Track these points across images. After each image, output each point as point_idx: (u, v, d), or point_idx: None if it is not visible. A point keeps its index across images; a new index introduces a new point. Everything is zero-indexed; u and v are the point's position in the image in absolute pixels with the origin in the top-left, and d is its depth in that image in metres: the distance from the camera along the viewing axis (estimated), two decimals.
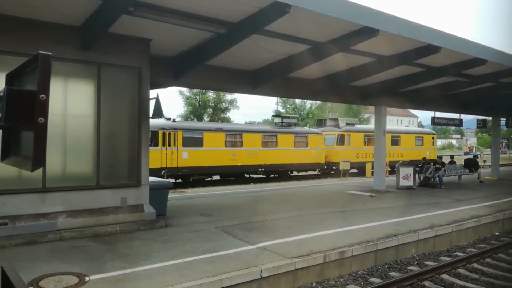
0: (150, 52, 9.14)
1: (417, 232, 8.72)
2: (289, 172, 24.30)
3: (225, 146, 21.61)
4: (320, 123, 30.78)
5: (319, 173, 24.38)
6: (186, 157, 19.96)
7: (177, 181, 19.86)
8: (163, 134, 19.58)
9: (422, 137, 31.76)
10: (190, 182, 20.17)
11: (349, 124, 27.47)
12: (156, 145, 19.18)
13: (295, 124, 26.17)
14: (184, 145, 20.08)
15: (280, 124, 25.40)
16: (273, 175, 24.20)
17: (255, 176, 23.44)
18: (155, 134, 19.13)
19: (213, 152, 20.84)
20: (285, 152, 23.76)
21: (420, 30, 9.61)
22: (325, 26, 8.52)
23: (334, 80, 12.92)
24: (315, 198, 13.98)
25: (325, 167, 26.19)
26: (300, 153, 24.42)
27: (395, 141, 28.81)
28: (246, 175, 23.50)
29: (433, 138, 33.02)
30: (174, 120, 21.41)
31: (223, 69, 11.19)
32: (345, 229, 8.76)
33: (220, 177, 22.58)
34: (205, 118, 46.95)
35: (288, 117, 27.05)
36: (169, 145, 19.57)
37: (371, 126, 25.89)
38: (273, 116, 28.91)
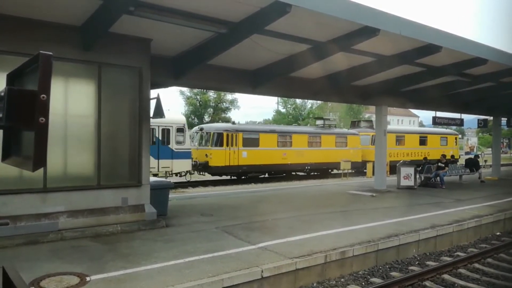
0: (151, 52, 9.14)
1: (418, 232, 8.71)
2: (330, 170, 25.38)
3: (277, 146, 23.69)
4: (354, 124, 32.61)
5: (353, 171, 24.86)
6: (245, 156, 22.19)
7: (232, 177, 22.58)
8: (227, 135, 21.81)
9: (447, 137, 33.12)
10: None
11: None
12: (222, 145, 21.59)
13: (335, 126, 28.37)
14: (244, 145, 22.30)
15: (322, 125, 27.63)
16: (315, 173, 25.53)
17: (299, 173, 24.74)
18: (220, 135, 21.69)
19: (268, 152, 23.02)
20: (327, 151, 25.68)
21: (420, 30, 9.60)
22: (326, 25, 8.52)
23: (334, 80, 12.91)
24: (316, 198, 13.97)
25: (361, 165, 27.38)
26: (341, 153, 26.05)
27: (422, 141, 30.68)
28: (293, 173, 25.27)
29: (456, 138, 34.41)
30: (234, 123, 24.24)
31: (224, 69, 11.19)
32: (346, 229, 8.76)
33: (272, 175, 24.47)
34: (206, 118, 46.95)
35: (329, 119, 29.57)
36: (232, 145, 21.83)
37: (401, 127, 30.64)
38: (315, 118, 32.12)
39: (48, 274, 5.58)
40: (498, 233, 10.67)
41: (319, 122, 28.87)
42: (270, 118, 57.23)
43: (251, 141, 22.66)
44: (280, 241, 7.59)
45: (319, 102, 54.28)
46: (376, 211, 11.17)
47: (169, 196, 10.26)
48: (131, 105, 9.13)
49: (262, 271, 6.02)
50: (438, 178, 17.58)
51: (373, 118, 20.90)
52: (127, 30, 8.36)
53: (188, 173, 21.30)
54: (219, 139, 21.64)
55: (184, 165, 20.56)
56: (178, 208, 10.87)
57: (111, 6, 7.06)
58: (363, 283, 6.81)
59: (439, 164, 18.15)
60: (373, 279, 6.92)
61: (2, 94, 1.27)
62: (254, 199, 13.47)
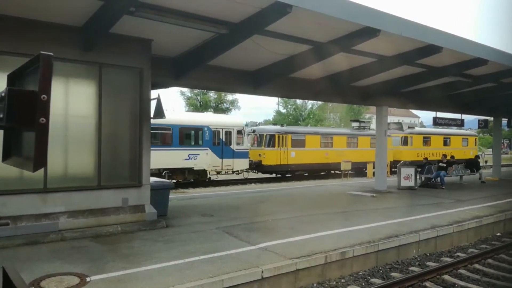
0: (151, 52, 9.15)
1: (418, 232, 8.70)
2: (364, 169, 26.12)
3: (320, 147, 25.91)
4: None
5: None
6: (294, 156, 24.22)
7: (277, 175, 24.51)
8: (278, 137, 23.98)
9: (467, 138, 35.30)
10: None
11: (410, 128, 31.98)
12: (273, 146, 23.80)
13: (369, 128, 30.12)
14: (292, 146, 24.37)
15: (357, 127, 29.57)
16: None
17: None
18: (272, 137, 23.89)
19: (312, 152, 25.03)
20: (363, 151, 27.39)
21: (421, 30, 9.60)
22: (326, 26, 8.52)
23: (335, 81, 12.91)
24: (316, 199, 13.97)
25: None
26: (373, 152, 27.18)
27: (446, 142, 33.01)
28: (332, 171, 26.67)
29: (475, 139, 36.66)
30: (282, 125, 26.90)
31: (224, 70, 11.19)
32: (346, 229, 8.75)
33: (315, 173, 25.99)
34: None
35: (364, 122, 31.45)
36: (282, 146, 23.96)
37: (428, 129, 32.46)
38: (351, 120, 33.81)
39: (48, 274, 5.58)
40: (498, 234, 10.66)
41: (354, 124, 30.74)
42: (271, 119, 57.17)
43: (298, 142, 24.76)
44: (281, 241, 7.59)
45: (319, 102, 54.26)
46: (377, 211, 11.17)
47: (170, 196, 10.25)
48: (131, 106, 9.14)
49: (262, 272, 6.02)
50: (438, 178, 17.57)
51: (374, 119, 21.00)
52: (128, 31, 8.36)
53: (245, 171, 22.99)
54: (271, 141, 23.85)
55: (243, 163, 22.26)
56: (179, 209, 10.87)
57: (112, 6, 7.07)
58: (363, 284, 6.81)
59: (440, 164, 18.14)
60: (373, 280, 6.92)
61: (3, 94, 1.27)
62: (255, 200, 13.47)
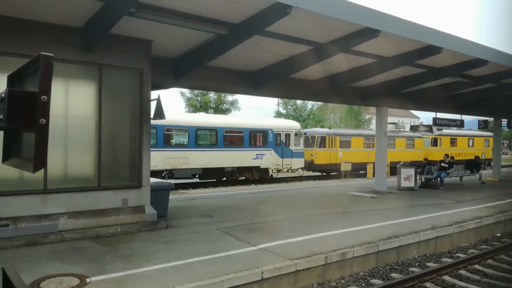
0: (151, 53, 9.15)
1: (418, 233, 8.70)
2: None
3: (364, 147, 28.27)
4: (413, 128, 37.27)
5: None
6: (341, 156, 26.47)
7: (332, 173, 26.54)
8: (328, 138, 26.76)
9: (488, 139, 37.04)
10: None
11: (439, 130, 33.69)
12: (324, 146, 26.58)
13: (404, 130, 32.78)
14: (340, 146, 27.04)
15: (394, 130, 31.95)
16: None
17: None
18: (323, 138, 26.79)
19: (357, 152, 27.38)
20: (400, 152, 29.64)
21: (421, 31, 9.60)
22: (326, 27, 8.52)
23: (335, 81, 12.91)
24: (316, 199, 13.97)
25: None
26: (410, 153, 30.56)
27: (469, 143, 36.18)
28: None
29: None
30: (330, 128, 30.33)
31: (224, 70, 11.19)
32: (346, 230, 8.75)
33: (358, 171, 27.13)
34: None
35: (399, 124, 34.26)
36: (331, 147, 26.68)
37: (454, 131, 35.21)
38: (388, 123, 34.54)
39: (48, 275, 5.58)
40: (498, 234, 10.66)
41: (391, 126, 33.03)
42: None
43: (345, 143, 27.59)
44: (281, 242, 7.59)
45: (319, 103, 54.25)
46: (377, 212, 11.16)
47: (170, 197, 10.25)
48: (131, 106, 9.14)
49: (262, 272, 6.02)
50: (438, 179, 17.57)
51: (374, 119, 21.08)
52: (127, 32, 8.36)
53: (301, 169, 25.23)
54: (322, 142, 26.70)
55: (299, 162, 24.71)
56: (179, 209, 10.87)
57: (111, 7, 7.07)
58: (364, 285, 6.82)
59: (442, 164, 18.13)
60: (374, 281, 6.92)
61: (3, 95, 1.27)
62: (255, 200, 13.47)
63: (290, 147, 24.01)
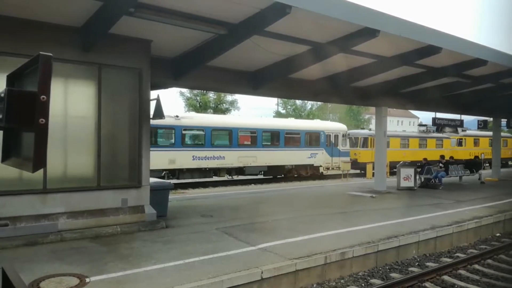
0: (151, 53, 9.15)
1: (418, 233, 8.71)
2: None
3: (400, 147, 30.63)
4: (439, 129, 39.00)
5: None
6: (443, 154, 27.97)
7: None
8: (370, 139, 28.82)
9: (507, 140, 39.50)
10: (190, 183, 21.24)
11: (463, 131, 36.63)
12: (367, 146, 28.96)
13: (433, 131, 34.45)
14: None
15: (425, 131, 34.68)
16: None
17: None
18: (366, 139, 29.30)
19: (394, 152, 28.78)
20: (431, 151, 32.13)
21: (420, 31, 9.61)
22: (326, 27, 8.52)
23: (334, 81, 12.91)
24: (316, 199, 13.97)
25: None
26: (439, 152, 31.71)
27: (490, 143, 37.46)
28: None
29: None
30: (370, 129, 32.04)
31: (224, 70, 11.19)
32: (346, 230, 8.75)
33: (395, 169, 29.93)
34: None
35: (429, 126, 34.97)
36: (372, 147, 27.13)
37: (477, 132, 37.15)
38: (419, 125, 39.73)
39: (48, 275, 5.58)
40: (498, 234, 10.66)
41: (422, 128, 36.53)
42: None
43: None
44: (280, 242, 7.59)
45: (319, 103, 54.25)
46: (376, 212, 11.17)
47: (169, 197, 10.25)
48: (131, 106, 9.14)
49: (262, 272, 6.02)
50: (437, 178, 17.59)
51: (373, 120, 21.14)
52: (127, 31, 8.36)
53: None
54: (365, 142, 29.29)
55: (346, 161, 26.55)
56: (178, 209, 10.86)
57: (111, 7, 7.07)
58: (363, 284, 6.81)
59: (440, 165, 18.17)
60: (373, 280, 6.92)
61: (2, 95, 1.27)
62: (254, 200, 13.46)
63: (338, 147, 26.85)
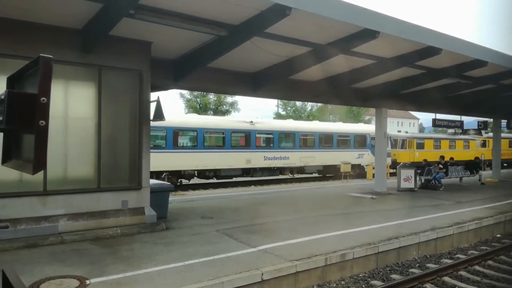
0: (151, 54, 9.15)
1: (418, 234, 8.70)
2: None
3: (433, 148, 33.98)
4: (463, 131, 41.02)
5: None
6: (417, 156, 31.63)
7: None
8: (408, 141, 32.77)
9: None
10: (191, 185, 21.33)
11: (487, 133, 37.60)
12: (405, 147, 32.46)
13: (460, 133, 37.28)
14: (416, 147, 32.96)
15: (453, 133, 37.60)
16: None
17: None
18: (404, 141, 32.74)
19: (428, 152, 32.19)
20: (459, 152, 35.11)
21: (420, 32, 9.61)
22: (326, 28, 8.53)
23: (335, 82, 12.92)
24: (316, 201, 13.96)
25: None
26: (466, 153, 35.91)
27: (510, 144, 40.81)
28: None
29: None
30: (406, 132, 36.61)
31: (224, 72, 11.20)
32: (346, 231, 8.75)
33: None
34: None
35: (457, 128, 38.39)
36: (409, 148, 32.68)
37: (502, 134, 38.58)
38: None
39: (48, 277, 5.57)
40: (498, 235, 10.65)
41: (450, 130, 38.49)
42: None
43: (420, 145, 33.41)
44: (281, 243, 7.58)
45: (319, 104, 54.26)
46: (377, 213, 11.16)
47: (169, 199, 10.25)
48: (131, 108, 9.14)
49: (262, 274, 6.01)
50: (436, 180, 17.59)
51: (373, 120, 21.18)
52: (127, 33, 8.37)
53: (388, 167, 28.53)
54: (403, 144, 32.63)
55: (387, 161, 28.17)
56: (178, 211, 10.86)
57: (111, 9, 7.07)
58: (364, 286, 6.81)
59: (439, 166, 18.17)
60: (374, 282, 6.91)
61: (3, 97, 1.27)
62: (255, 202, 13.46)
63: None
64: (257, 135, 23.21)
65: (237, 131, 22.42)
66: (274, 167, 23.66)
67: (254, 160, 22.58)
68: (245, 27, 8.07)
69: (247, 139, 22.73)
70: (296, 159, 24.37)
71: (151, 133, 20.17)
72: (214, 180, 21.99)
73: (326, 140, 26.42)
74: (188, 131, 20.93)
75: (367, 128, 30.44)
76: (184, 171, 20.38)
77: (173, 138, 19.95)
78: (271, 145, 23.70)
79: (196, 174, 21.22)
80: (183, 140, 21.04)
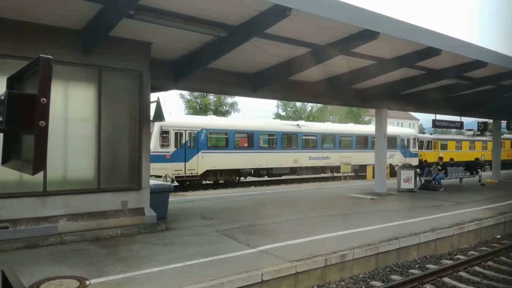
0: (151, 55, 9.15)
1: (418, 235, 8.69)
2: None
3: (455, 149, 36.10)
4: (481, 133, 43.01)
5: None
6: (441, 156, 32.33)
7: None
8: (433, 142, 35.17)
9: None
10: (190, 186, 21.49)
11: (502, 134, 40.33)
12: (430, 148, 34.58)
13: (478, 135, 38.16)
14: (441, 148, 35.22)
15: (472, 135, 39.43)
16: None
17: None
18: (430, 142, 35.06)
19: (451, 153, 33.70)
20: (478, 152, 37.44)
21: (420, 33, 9.62)
22: (326, 29, 8.53)
23: (334, 83, 12.92)
24: (316, 201, 13.95)
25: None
26: (483, 153, 37.72)
27: None
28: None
29: None
30: (431, 134, 38.64)
31: (224, 72, 11.20)
32: (346, 232, 8.74)
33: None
34: None
35: (474, 130, 38.74)
36: (434, 149, 34.87)
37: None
38: (466, 129, 42.86)
39: (48, 277, 5.57)
40: (498, 236, 10.65)
41: (469, 132, 40.43)
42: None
43: (444, 146, 35.88)
44: (280, 244, 7.58)
45: (319, 105, 54.29)
46: (377, 214, 11.16)
47: (169, 199, 10.24)
48: (131, 109, 9.13)
49: (262, 275, 6.01)
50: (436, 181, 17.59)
51: (373, 121, 21.23)
52: (127, 34, 8.37)
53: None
54: (429, 145, 34.89)
55: (415, 161, 30.01)
56: (178, 212, 10.85)
57: (111, 10, 7.07)
58: (364, 287, 6.80)
59: (438, 167, 18.18)
60: (373, 283, 6.91)
61: (2, 97, 1.27)
62: (254, 202, 13.46)
63: (410, 149, 31.83)
64: (303, 137, 25.53)
65: (286, 133, 24.93)
66: (317, 166, 26.12)
67: (301, 160, 24.95)
68: (245, 28, 8.07)
69: (294, 140, 25.11)
70: (336, 159, 26.59)
71: (216, 136, 22.08)
72: (265, 178, 24.51)
73: (362, 142, 28.90)
74: (245, 133, 23.26)
75: (397, 130, 33.40)
76: (242, 169, 22.72)
77: (233, 140, 22.38)
78: (315, 146, 26.16)
79: (252, 172, 23.45)
80: (242, 142, 23.42)
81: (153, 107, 9.96)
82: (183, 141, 20.54)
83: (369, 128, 30.70)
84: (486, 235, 10.42)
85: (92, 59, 8.25)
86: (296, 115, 53.61)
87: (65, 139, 8.17)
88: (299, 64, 10.44)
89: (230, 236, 8.24)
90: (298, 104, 54.44)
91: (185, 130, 20.70)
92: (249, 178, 23.96)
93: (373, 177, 19.38)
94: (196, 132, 20.93)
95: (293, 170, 24.92)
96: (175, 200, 13.15)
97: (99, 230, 8.09)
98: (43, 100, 1.23)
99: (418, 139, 33.73)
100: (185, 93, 44.73)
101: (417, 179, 17.14)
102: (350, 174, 27.13)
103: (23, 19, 7.47)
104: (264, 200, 14.23)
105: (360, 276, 7.25)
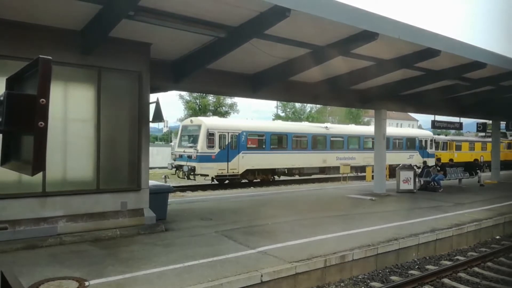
0: (150, 56, 9.15)
1: (417, 236, 8.70)
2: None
3: (468, 150, 37.57)
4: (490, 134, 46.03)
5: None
6: (456, 156, 34.68)
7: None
8: (449, 143, 36.72)
9: None
10: (190, 186, 21.58)
11: (510, 136, 42.12)
12: (445, 149, 35.82)
13: (489, 136, 39.40)
14: (455, 149, 36.66)
15: (483, 136, 39.67)
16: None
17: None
18: (445, 143, 36.53)
19: (464, 153, 36.13)
20: (488, 153, 36.29)
21: (419, 34, 9.63)
22: (325, 30, 8.54)
23: (334, 84, 12.93)
24: (316, 202, 13.95)
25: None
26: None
27: None
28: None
29: None
30: (446, 135, 40.67)
31: (223, 73, 11.20)
32: (346, 233, 8.74)
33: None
34: None
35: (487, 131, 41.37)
36: (449, 149, 36.38)
37: None
38: (477, 130, 44.14)
39: (47, 278, 5.56)
40: (497, 237, 10.65)
41: (481, 134, 40.88)
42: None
43: (458, 147, 37.25)
44: (280, 245, 7.57)
45: (318, 106, 54.38)
46: (376, 215, 11.16)
47: (169, 200, 10.23)
48: (130, 109, 9.13)
49: (261, 276, 6.01)
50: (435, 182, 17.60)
51: (373, 122, 21.27)
52: (127, 35, 8.37)
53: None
54: (444, 146, 36.22)
55: (431, 161, 29.64)
56: (178, 212, 10.85)
57: (110, 10, 7.07)
58: None
59: (437, 168, 18.20)
60: (373, 284, 6.91)
61: (2, 98, 1.27)
62: (254, 203, 13.45)
63: (427, 150, 33.29)
64: (331, 139, 27.07)
65: (316, 135, 26.35)
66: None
67: (329, 160, 26.52)
68: (245, 29, 8.07)
69: (323, 142, 26.71)
70: (361, 159, 28.24)
71: (253, 138, 23.17)
72: (297, 177, 26.09)
73: (390, 143, 29.80)
74: (281, 135, 24.76)
75: (416, 132, 36.02)
76: (277, 169, 24.14)
77: (270, 142, 23.93)
78: (342, 147, 27.78)
79: (286, 172, 24.72)
80: (277, 143, 24.70)
81: (152, 108, 9.95)
82: (226, 143, 22.04)
83: (391, 130, 31.75)
84: (485, 236, 10.42)
85: (91, 60, 8.24)
86: (296, 116, 53.65)
87: (64, 140, 8.16)
88: (299, 65, 10.45)
89: (230, 237, 8.23)
90: (298, 105, 54.49)
91: (228, 132, 22.24)
92: (282, 177, 25.45)
93: (372, 178, 19.38)
94: (237, 134, 22.47)
95: (321, 170, 26.36)
96: (174, 201, 13.13)
97: (98, 231, 8.08)
98: (43, 101, 1.23)
99: (434, 140, 34.97)
100: (185, 94, 44.77)
101: (416, 180, 17.14)
102: (359, 174, 28.51)
103: (23, 20, 7.46)
104: (263, 201, 14.22)
105: (360, 277, 7.25)
